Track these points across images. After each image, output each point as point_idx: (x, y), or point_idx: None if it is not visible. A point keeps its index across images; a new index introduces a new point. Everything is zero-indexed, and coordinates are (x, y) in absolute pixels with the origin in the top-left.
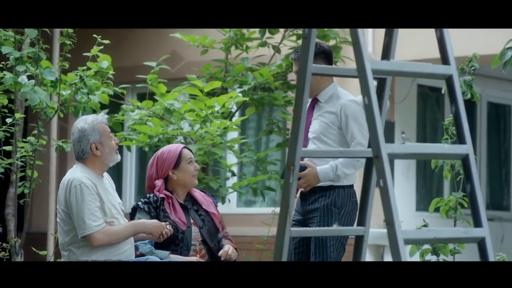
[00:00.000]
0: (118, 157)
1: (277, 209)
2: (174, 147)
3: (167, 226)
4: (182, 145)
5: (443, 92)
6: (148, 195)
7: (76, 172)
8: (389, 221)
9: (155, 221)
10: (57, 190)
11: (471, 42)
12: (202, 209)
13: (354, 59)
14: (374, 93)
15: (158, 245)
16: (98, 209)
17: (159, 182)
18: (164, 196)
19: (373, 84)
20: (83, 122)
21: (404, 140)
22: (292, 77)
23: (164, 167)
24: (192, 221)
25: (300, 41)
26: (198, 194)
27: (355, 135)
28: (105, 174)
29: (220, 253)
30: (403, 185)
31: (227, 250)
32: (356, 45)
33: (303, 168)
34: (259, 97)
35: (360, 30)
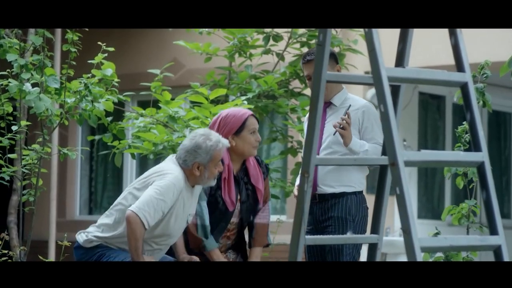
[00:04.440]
0: (213, 183)
1: (282, 217)
2: (241, 113)
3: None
4: (250, 112)
5: (455, 99)
6: None
7: (177, 172)
8: (406, 229)
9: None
10: (58, 198)
11: (474, 50)
12: (250, 183)
13: (357, 67)
14: (390, 100)
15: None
16: (158, 214)
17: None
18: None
19: (389, 91)
20: (205, 138)
21: (406, 147)
22: (295, 84)
23: (225, 130)
24: (239, 197)
25: (303, 49)
26: (251, 165)
27: (377, 136)
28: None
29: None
30: None
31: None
32: (372, 52)
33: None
34: (263, 104)
35: (376, 37)
